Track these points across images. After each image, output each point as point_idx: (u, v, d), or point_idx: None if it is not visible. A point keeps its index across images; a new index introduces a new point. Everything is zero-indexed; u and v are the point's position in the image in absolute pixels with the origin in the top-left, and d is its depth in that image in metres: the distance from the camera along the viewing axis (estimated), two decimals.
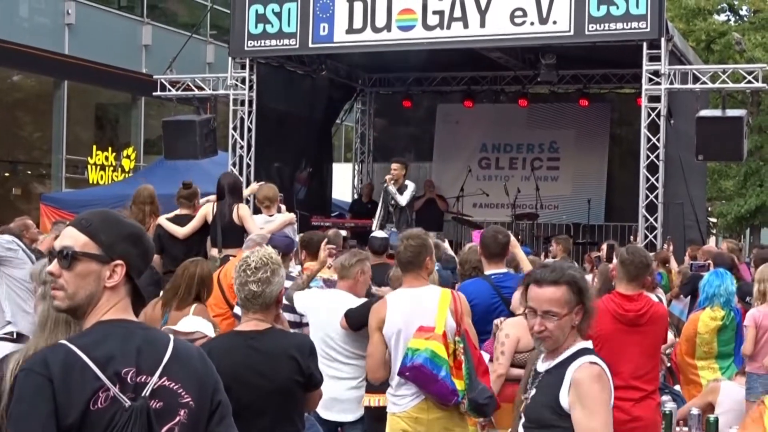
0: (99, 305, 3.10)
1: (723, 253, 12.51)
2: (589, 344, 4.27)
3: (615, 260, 11.99)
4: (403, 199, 14.82)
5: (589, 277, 12.42)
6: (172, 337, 3.17)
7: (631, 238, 14.78)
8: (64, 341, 3.03)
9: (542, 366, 4.23)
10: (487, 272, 7.62)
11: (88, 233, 3.11)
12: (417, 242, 6.43)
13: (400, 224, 14.73)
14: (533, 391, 4.17)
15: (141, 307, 3.24)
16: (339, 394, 7.14)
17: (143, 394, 2.97)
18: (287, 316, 7.56)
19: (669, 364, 9.29)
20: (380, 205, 15.27)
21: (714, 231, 38.98)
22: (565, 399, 4.07)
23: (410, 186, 15.04)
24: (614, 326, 6.61)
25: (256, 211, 11.62)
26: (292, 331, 6.42)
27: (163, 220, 10.88)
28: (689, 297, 11.76)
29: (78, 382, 2.92)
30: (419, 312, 6.19)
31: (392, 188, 14.90)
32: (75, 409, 2.90)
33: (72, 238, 3.11)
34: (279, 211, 11.35)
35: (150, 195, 10.93)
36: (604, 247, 13.22)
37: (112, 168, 26.50)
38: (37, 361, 2.96)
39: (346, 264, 7.53)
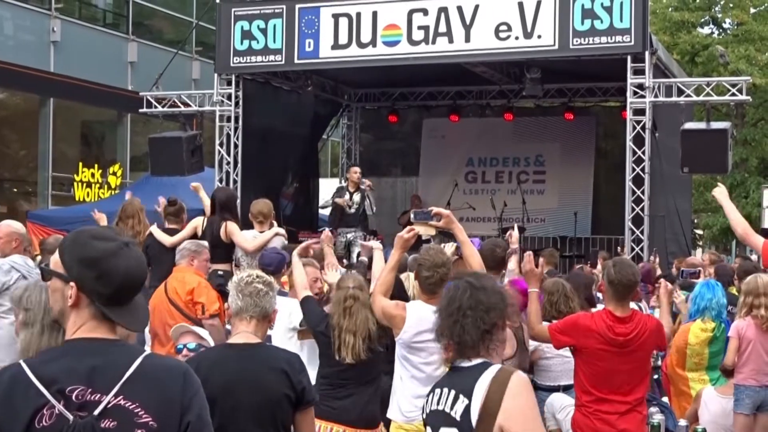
0: (69, 324, 3.13)
1: (725, 265, 12.55)
2: None
3: (600, 266, 12.11)
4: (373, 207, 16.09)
5: None
6: (144, 355, 3.11)
7: (618, 249, 14.82)
8: (20, 360, 3.06)
9: None
10: None
11: (60, 252, 3.18)
12: (447, 268, 6.40)
13: (357, 224, 15.87)
14: None
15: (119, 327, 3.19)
16: None
17: (94, 413, 2.95)
18: None
19: (657, 376, 9.32)
20: (328, 202, 16.00)
21: (700, 243, 39.12)
22: None
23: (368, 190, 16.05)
24: (602, 347, 6.51)
25: (249, 225, 11.64)
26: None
27: (154, 228, 10.90)
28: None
29: (21, 399, 2.93)
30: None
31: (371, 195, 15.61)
32: (18, 426, 2.91)
33: (54, 256, 3.21)
34: (271, 227, 11.36)
35: (134, 210, 10.93)
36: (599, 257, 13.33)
37: (98, 185, 26.47)
38: None
39: (289, 275, 7.61)
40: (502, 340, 4.04)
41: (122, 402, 2.98)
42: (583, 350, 6.62)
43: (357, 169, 16.13)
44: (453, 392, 3.90)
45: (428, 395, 4.10)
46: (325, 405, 6.62)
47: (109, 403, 2.97)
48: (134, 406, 2.99)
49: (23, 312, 4.03)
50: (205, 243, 9.67)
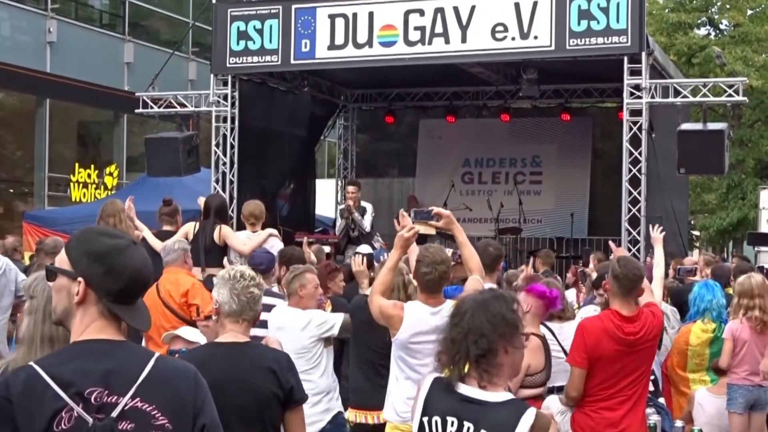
0: (75, 323, 3.09)
1: (723, 265, 12.54)
2: None
3: (591, 265, 12.12)
4: (367, 225, 14.93)
5: (572, 292, 12.53)
6: (155, 357, 3.10)
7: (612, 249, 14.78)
8: (31, 362, 3.02)
9: None
10: None
11: (65, 249, 3.16)
12: (446, 266, 6.38)
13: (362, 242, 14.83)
14: None
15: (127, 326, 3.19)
16: None
17: (112, 415, 2.93)
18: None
19: (653, 377, 9.31)
20: (340, 226, 15.43)
21: (697, 244, 39.13)
22: None
23: (369, 208, 15.16)
24: (615, 348, 6.46)
25: (242, 227, 11.64)
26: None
27: (147, 233, 10.86)
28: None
29: (38, 403, 2.90)
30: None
31: (357, 216, 14.96)
32: (36, 429, 2.87)
33: (59, 255, 3.19)
34: (264, 228, 11.38)
35: (115, 209, 10.85)
36: (592, 257, 13.31)
37: (94, 186, 26.47)
38: None
39: (286, 282, 7.58)
40: (503, 363, 3.84)
41: (139, 404, 2.97)
42: (600, 358, 6.51)
43: (350, 188, 15.63)
44: (477, 428, 3.74)
45: (428, 421, 3.88)
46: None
47: (126, 405, 2.95)
48: (151, 408, 2.98)
49: (29, 300, 4.02)
50: (186, 240, 9.69)
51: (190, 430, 3.07)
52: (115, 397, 2.95)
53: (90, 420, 2.90)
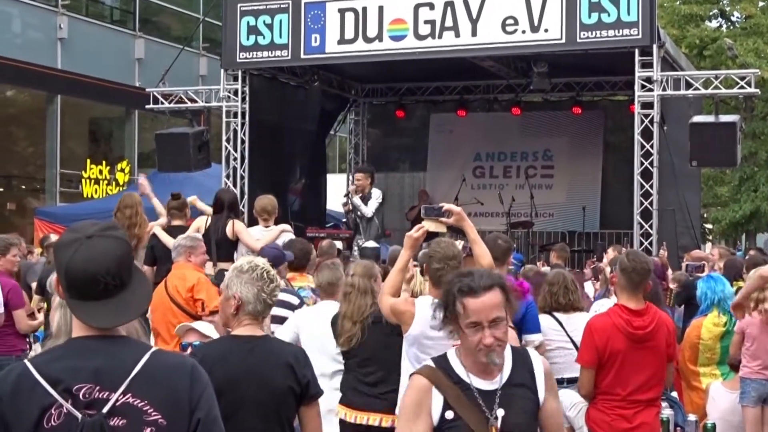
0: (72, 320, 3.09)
1: (734, 258, 12.46)
2: None
3: (605, 259, 12.09)
4: (368, 210, 14.83)
5: (589, 285, 12.52)
6: (151, 352, 3.06)
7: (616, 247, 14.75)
8: (25, 360, 3.02)
9: (490, 384, 3.98)
10: None
11: None
12: (458, 261, 6.35)
13: (369, 235, 14.72)
14: (501, 411, 3.92)
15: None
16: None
17: (102, 411, 2.91)
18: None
19: None
20: (346, 216, 15.44)
21: (710, 237, 39.02)
22: (542, 394, 4.05)
23: (375, 194, 15.04)
24: (625, 343, 6.39)
25: (254, 222, 11.61)
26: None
27: (158, 229, 10.87)
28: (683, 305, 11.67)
29: (27, 400, 2.89)
30: None
31: (357, 200, 14.89)
32: (26, 426, 2.87)
33: None
34: (276, 223, 11.37)
35: (133, 202, 10.88)
36: (610, 251, 13.27)
37: (106, 182, 26.51)
38: None
39: (331, 282, 7.56)
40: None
41: (131, 400, 2.94)
42: (611, 356, 6.44)
43: (357, 175, 15.63)
44: None
45: None
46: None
47: (117, 401, 2.93)
48: (143, 404, 2.95)
49: (55, 296, 4.04)
50: (199, 236, 9.67)
51: (186, 425, 3.02)
52: (107, 393, 2.93)
53: (79, 416, 2.89)
